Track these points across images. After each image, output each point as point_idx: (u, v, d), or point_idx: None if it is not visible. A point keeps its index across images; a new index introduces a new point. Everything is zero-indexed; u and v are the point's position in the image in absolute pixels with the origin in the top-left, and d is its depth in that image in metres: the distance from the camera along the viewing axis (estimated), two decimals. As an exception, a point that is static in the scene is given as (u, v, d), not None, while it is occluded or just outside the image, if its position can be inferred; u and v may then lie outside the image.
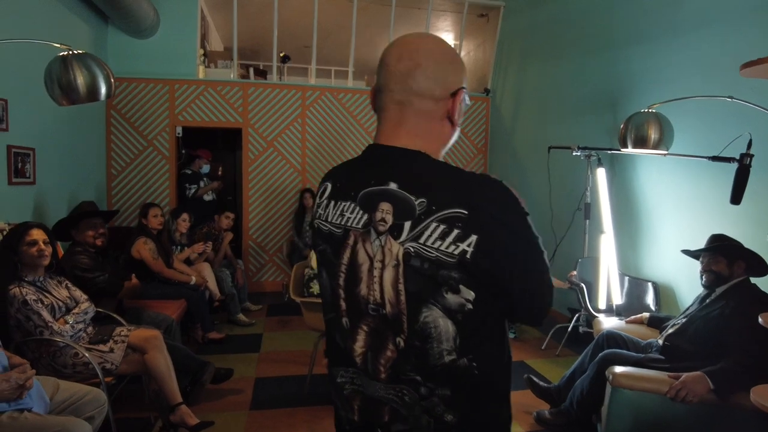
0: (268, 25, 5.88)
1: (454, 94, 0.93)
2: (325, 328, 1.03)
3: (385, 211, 0.87)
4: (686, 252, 2.64)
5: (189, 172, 5.44)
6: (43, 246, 2.33)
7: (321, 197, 0.98)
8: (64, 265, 2.68)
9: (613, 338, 2.73)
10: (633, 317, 3.08)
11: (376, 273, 0.88)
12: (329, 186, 0.98)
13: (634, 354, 2.54)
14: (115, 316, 2.70)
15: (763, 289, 2.35)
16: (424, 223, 0.83)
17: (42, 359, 2.28)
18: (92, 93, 2.34)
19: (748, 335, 2.13)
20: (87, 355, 2.27)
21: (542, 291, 0.89)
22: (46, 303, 2.30)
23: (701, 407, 2.14)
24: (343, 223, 0.93)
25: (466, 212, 0.81)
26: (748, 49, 2.80)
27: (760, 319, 1.67)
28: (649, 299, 3.50)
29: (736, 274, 2.38)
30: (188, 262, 4.26)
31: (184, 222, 4.29)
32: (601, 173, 3.88)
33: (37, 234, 2.34)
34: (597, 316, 3.49)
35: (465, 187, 0.84)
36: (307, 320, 3.13)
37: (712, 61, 3.02)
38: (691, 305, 2.59)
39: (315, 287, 3.05)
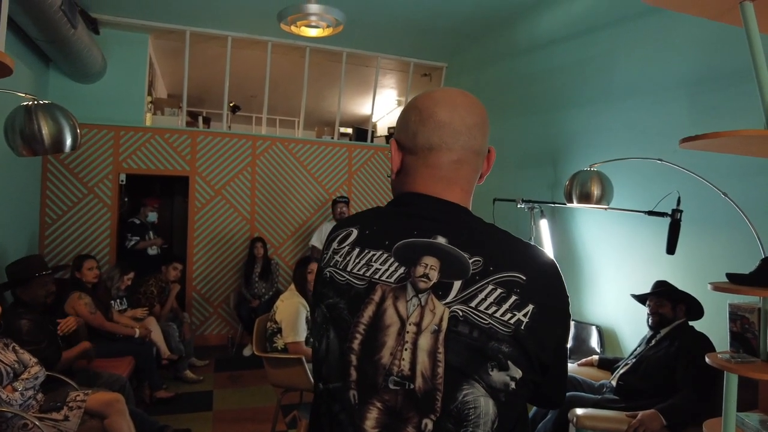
0: (216, 74, 5.91)
1: (488, 152, 0.91)
2: (317, 401, 0.85)
3: (430, 266, 0.77)
4: (635, 296, 2.89)
5: (137, 221, 5.18)
6: (-9, 306, 2.16)
7: (341, 243, 0.86)
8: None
9: (569, 381, 2.89)
10: (584, 360, 3.28)
11: (408, 338, 0.75)
12: (355, 231, 0.86)
13: (592, 396, 2.70)
14: (67, 380, 2.50)
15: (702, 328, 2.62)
16: (479, 285, 0.75)
17: (-16, 432, 2.07)
18: (57, 144, 2.26)
19: (693, 372, 2.36)
20: (39, 425, 2.09)
21: (566, 377, 0.89)
22: (-8, 368, 2.11)
23: (658, 443, 2.31)
24: (368, 274, 0.80)
25: (524, 278, 0.76)
26: (669, 117, 3.23)
27: (707, 359, 1.86)
28: (594, 342, 3.74)
29: (678, 317, 2.65)
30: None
31: (128, 280, 4.10)
32: (543, 224, 4.17)
33: (-15, 293, 2.17)
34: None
35: (521, 252, 0.81)
36: (270, 377, 3.03)
37: (642, 126, 3.42)
38: (639, 346, 2.82)
39: (279, 342, 2.99)
